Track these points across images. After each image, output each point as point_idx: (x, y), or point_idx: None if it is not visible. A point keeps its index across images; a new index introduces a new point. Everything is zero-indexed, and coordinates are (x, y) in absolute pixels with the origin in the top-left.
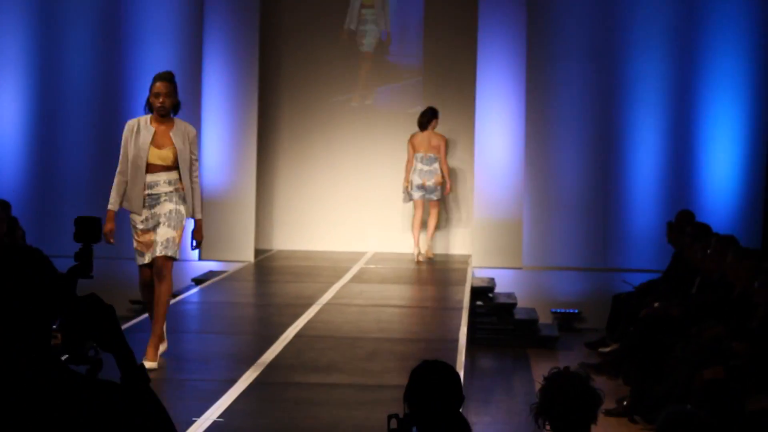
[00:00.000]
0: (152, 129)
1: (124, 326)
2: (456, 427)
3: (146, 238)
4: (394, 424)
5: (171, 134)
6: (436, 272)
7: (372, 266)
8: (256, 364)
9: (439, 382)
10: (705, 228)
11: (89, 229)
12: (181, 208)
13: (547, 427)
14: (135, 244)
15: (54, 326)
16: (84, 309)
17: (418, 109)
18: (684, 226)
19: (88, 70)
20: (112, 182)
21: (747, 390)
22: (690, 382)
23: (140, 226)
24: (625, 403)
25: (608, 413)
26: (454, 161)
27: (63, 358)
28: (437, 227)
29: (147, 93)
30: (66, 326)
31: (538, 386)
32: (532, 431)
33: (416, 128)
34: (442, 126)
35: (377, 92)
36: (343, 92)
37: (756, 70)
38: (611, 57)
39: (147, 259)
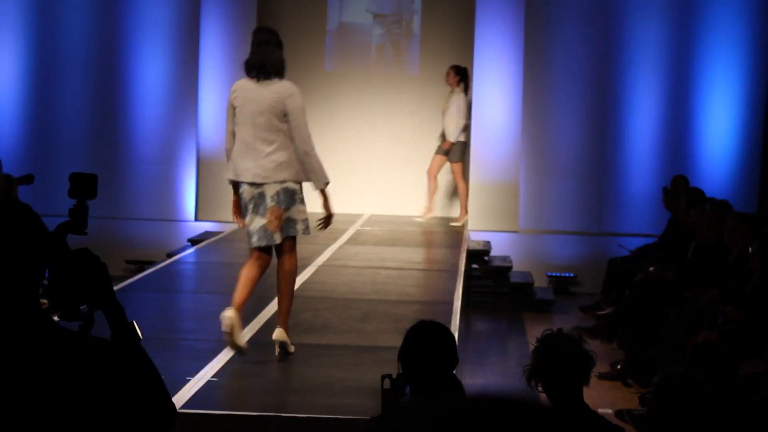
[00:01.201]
0: None
1: (119, 286)
2: (450, 389)
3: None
4: (387, 384)
5: None
6: (432, 235)
7: (368, 228)
8: (250, 325)
9: (434, 343)
10: (698, 193)
11: (84, 185)
12: None
13: (540, 388)
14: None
15: (42, 286)
16: (76, 264)
17: (415, 74)
18: (679, 191)
19: (85, 29)
20: (110, 140)
21: (740, 354)
22: (684, 347)
23: None
24: (619, 366)
25: (602, 377)
26: None
27: (55, 315)
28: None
29: (143, 49)
30: (57, 282)
31: (532, 349)
32: (526, 393)
33: (413, 93)
34: (438, 88)
35: (374, 56)
36: (339, 57)
37: (755, 35)
38: (609, 21)
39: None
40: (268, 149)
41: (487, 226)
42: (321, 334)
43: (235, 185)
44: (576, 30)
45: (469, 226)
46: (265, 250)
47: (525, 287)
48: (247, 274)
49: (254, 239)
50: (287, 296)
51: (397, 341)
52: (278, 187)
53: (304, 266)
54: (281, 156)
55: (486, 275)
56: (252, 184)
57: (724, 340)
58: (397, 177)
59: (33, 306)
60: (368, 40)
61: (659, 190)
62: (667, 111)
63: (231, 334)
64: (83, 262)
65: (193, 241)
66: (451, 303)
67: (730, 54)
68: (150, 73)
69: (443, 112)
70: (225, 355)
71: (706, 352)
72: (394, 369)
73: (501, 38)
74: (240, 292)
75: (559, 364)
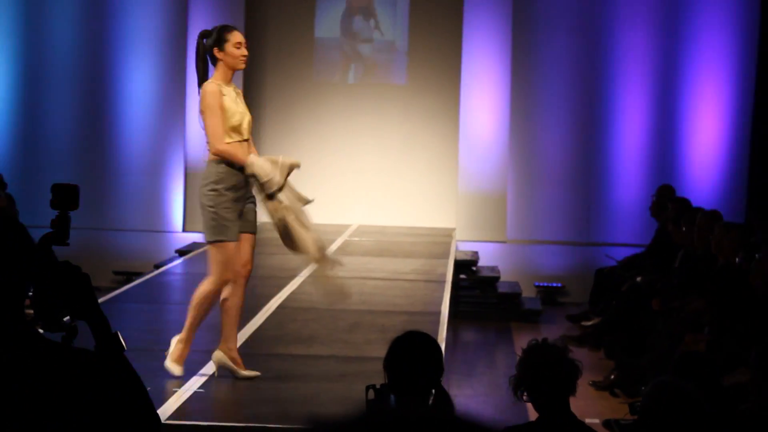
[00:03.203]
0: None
1: (107, 297)
2: (437, 399)
3: None
4: (372, 394)
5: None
6: (419, 245)
7: (356, 239)
8: (237, 335)
9: (419, 352)
10: (685, 202)
11: (66, 196)
12: None
13: (525, 398)
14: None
15: (28, 298)
16: (59, 276)
17: (403, 84)
18: (665, 200)
19: (72, 39)
20: (97, 151)
21: (725, 364)
22: (671, 356)
23: None
24: (612, 377)
25: (595, 385)
26: (438, 135)
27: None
28: None
29: (131, 60)
30: (40, 293)
31: (518, 359)
32: (513, 402)
33: (401, 103)
34: (426, 97)
35: (362, 67)
36: (329, 68)
37: (742, 45)
38: (596, 31)
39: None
40: None
41: (474, 236)
42: (308, 345)
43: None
44: (563, 40)
45: (457, 236)
46: None
47: (513, 297)
48: None
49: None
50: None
51: (384, 352)
52: None
53: (292, 277)
54: None
55: (474, 285)
56: None
57: (709, 349)
58: (385, 187)
59: (18, 317)
60: (355, 51)
61: (647, 200)
62: (655, 120)
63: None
64: (65, 273)
65: (181, 252)
66: (438, 313)
67: (717, 63)
68: (137, 83)
69: None
70: (211, 366)
71: (691, 361)
72: (380, 379)
73: (488, 48)
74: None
75: (544, 375)
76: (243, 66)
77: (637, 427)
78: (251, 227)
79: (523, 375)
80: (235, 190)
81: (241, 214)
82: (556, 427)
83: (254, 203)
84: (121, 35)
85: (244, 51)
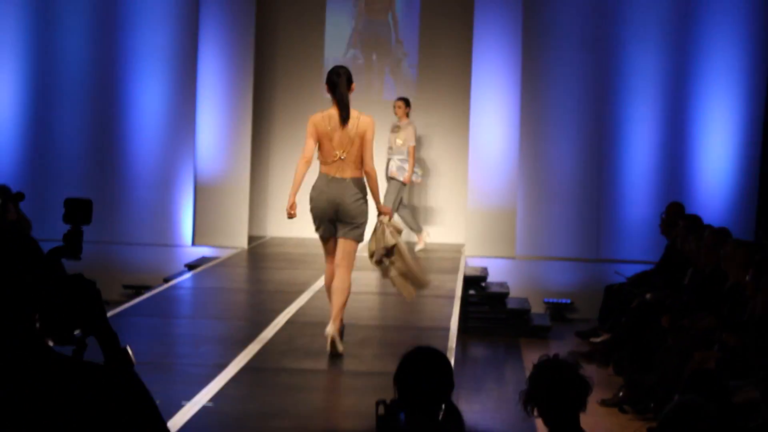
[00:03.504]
0: None
1: (116, 311)
2: (446, 414)
3: None
4: (381, 410)
5: None
6: (429, 261)
7: (365, 254)
8: (247, 349)
9: (429, 368)
10: (696, 219)
11: (79, 211)
12: None
13: (536, 414)
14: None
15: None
16: (69, 289)
17: (412, 98)
18: (675, 218)
19: (83, 53)
20: (107, 165)
21: (736, 381)
22: (681, 373)
23: None
24: (621, 393)
25: (604, 403)
26: (448, 150)
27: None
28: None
29: (142, 75)
30: (51, 307)
31: (528, 374)
32: (522, 419)
33: (411, 117)
34: (436, 113)
35: (372, 81)
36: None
37: (752, 62)
38: (607, 48)
39: None
40: None
41: (484, 252)
42: (317, 360)
43: None
44: (573, 57)
45: (467, 252)
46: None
47: (522, 313)
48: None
49: None
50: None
51: (394, 367)
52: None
53: (301, 291)
54: None
55: (483, 301)
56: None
57: (720, 366)
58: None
59: (29, 330)
60: (367, 65)
61: (656, 217)
62: (664, 138)
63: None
64: (77, 287)
65: (190, 266)
66: (447, 329)
67: (727, 81)
68: (148, 98)
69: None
70: (220, 381)
71: (701, 379)
72: (390, 395)
73: (498, 64)
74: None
75: (555, 391)
76: None
77: None
78: None
79: (533, 390)
80: None
81: None
82: None
83: None
84: (132, 50)
85: None
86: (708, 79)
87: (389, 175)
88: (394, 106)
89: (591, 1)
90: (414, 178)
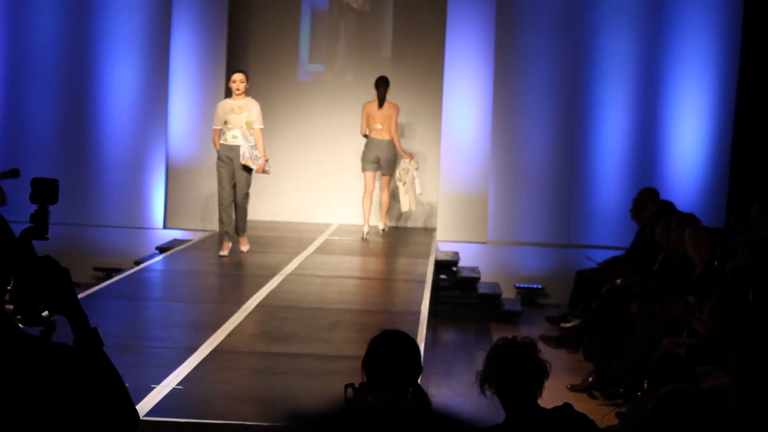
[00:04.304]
0: None
1: (87, 293)
2: (414, 397)
3: None
4: (350, 393)
5: None
6: (400, 245)
7: (336, 238)
8: (217, 333)
9: (397, 351)
10: (668, 205)
11: (45, 190)
12: None
13: (491, 394)
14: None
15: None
16: (38, 270)
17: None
18: (647, 203)
19: (55, 35)
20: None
21: (704, 367)
22: (649, 359)
23: None
24: (591, 379)
25: (573, 388)
26: (420, 135)
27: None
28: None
29: (114, 57)
30: (20, 288)
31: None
32: (490, 403)
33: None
34: (409, 99)
35: (344, 66)
36: (312, 65)
37: (724, 48)
38: (579, 34)
39: None
40: None
41: (455, 237)
42: (287, 343)
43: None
44: (546, 43)
45: (438, 237)
46: None
47: (493, 298)
48: None
49: None
50: None
51: (364, 351)
52: None
53: (272, 275)
54: None
55: (454, 286)
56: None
57: (688, 352)
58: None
59: None
60: (341, 48)
61: (627, 202)
62: (636, 124)
63: None
64: (45, 267)
65: (161, 249)
66: (418, 313)
67: (700, 68)
68: (120, 80)
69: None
70: (190, 363)
71: (669, 364)
72: (359, 378)
73: (471, 50)
74: None
75: (511, 372)
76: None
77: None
78: None
79: (489, 371)
80: None
81: None
82: (525, 425)
83: None
84: (105, 32)
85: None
86: (680, 65)
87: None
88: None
89: None
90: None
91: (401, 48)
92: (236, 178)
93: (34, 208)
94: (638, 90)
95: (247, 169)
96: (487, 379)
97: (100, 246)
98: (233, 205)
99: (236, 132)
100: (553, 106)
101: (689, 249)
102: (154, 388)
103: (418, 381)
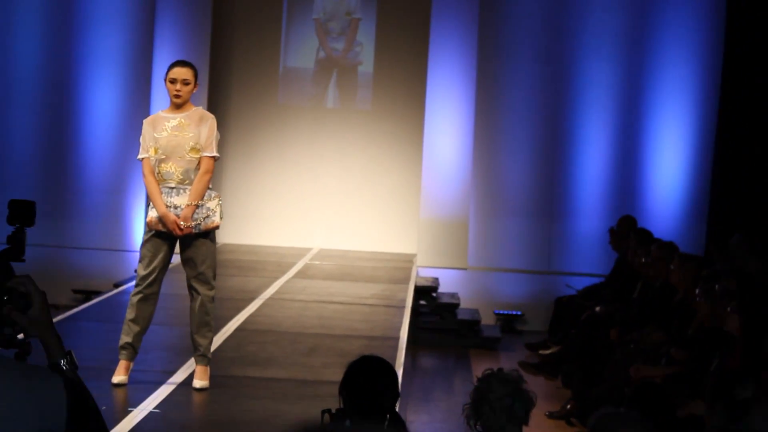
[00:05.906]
0: None
1: (65, 315)
2: (390, 423)
3: None
4: (327, 419)
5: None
6: (380, 270)
7: (317, 262)
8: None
9: (374, 377)
10: (647, 234)
11: (22, 212)
12: None
13: (478, 428)
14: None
15: None
16: (13, 292)
17: (368, 108)
18: (626, 231)
19: (36, 54)
20: (59, 169)
21: (682, 396)
22: (628, 387)
23: None
24: (568, 406)
25: (551, 416)
26: (401, 161)
27: None
28: None
29: (95, 77)
30: None
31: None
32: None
33: (365, 128)
34: (390, 124)
35: (327, 90)
36: (295, 90)
37: (705, 77)
38: (561, 61)
39: None
40: None
41: (435, 263)
42: (265, 367)
43: None
44: (527, 69)
45: (418, 262)
46: None
47: (472, 324)
48: None
49: None
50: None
51: (341, 376)
52: None
53: (251, 299)
54: None
55: (433, 311)
56: None
57: (665, 380)
58: (347, 211)
59: None
60: (323, 74)
61: (607, 230)
62: (617, 152)
63: None
64: (21, 290)
65: None
66: (397, 338)
67: (680, 95)
68: (101, 101)
69: None
70: (167, 387)
71: (646, 392)
72: (337, 404)
73: (453, 75)
74: None
75: (497, 405)
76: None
77: None
78: None
79: (476, 404)
80: None
81: None
82: None
83: None
84: (86, 52)
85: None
86: (660, 93)
87: None
88: None
89: (545, 15)
90: None
91: (383, 72)
92: (187, 254)
93: (11, 229)
94: (618, 118)
95: (204, 235)
96: (474, 413)
97: (79, 268)
98: (156, 297)
99: (172, 168)
100: (534, 132)
101: (673, 277)
102: (131, 411)
103: (396, 407)
